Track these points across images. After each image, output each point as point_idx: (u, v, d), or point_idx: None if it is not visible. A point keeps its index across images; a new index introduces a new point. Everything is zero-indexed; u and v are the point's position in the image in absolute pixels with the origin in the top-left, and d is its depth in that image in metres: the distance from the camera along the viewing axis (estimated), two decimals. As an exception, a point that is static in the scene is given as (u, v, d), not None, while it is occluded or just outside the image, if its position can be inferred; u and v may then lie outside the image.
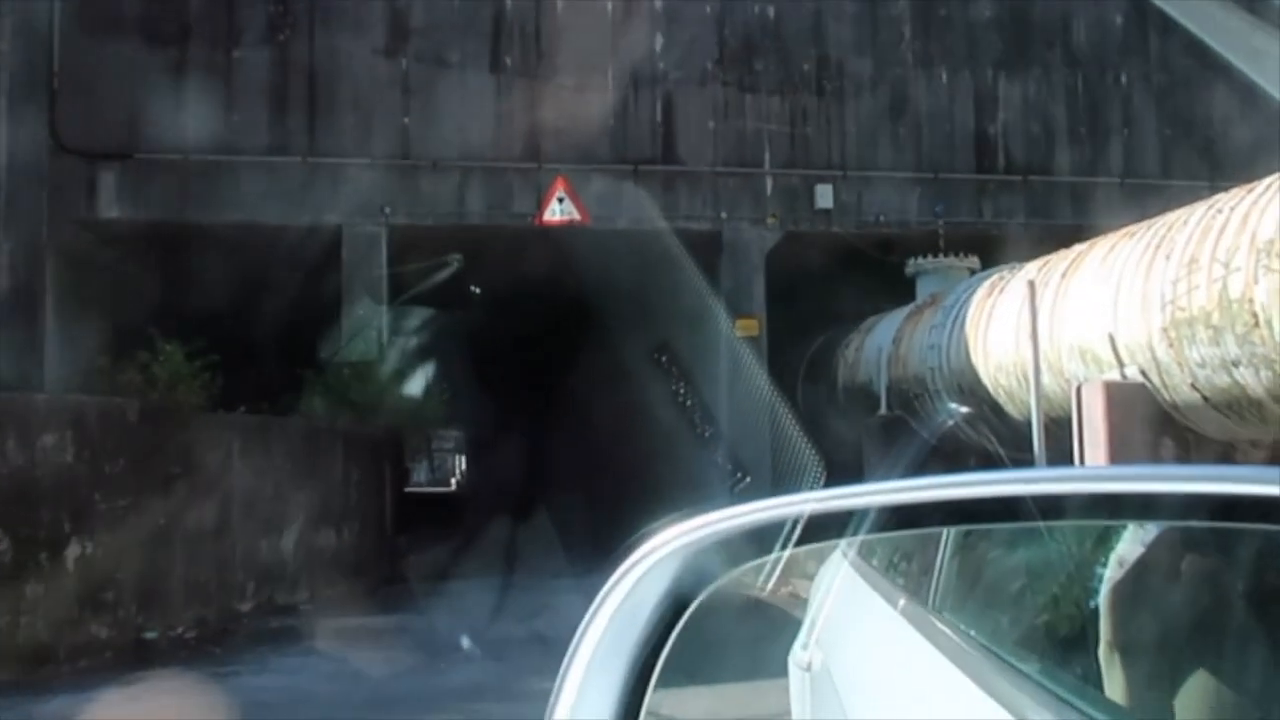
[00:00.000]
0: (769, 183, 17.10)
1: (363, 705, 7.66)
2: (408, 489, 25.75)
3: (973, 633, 1.71)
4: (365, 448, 14.96)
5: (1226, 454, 9.11)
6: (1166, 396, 9.13)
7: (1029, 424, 10.24)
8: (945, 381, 13.27)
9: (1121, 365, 9.49)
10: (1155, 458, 9.16)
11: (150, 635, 10.25)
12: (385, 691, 7.95)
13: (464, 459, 45.51)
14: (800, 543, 1.21)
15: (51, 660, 9.06)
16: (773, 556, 1.26)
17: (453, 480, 46.85)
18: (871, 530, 1.24)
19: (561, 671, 1.20)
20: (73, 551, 9.49)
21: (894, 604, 2.25)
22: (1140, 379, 9.28)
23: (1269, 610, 1.13)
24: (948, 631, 1.80)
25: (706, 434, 16.90)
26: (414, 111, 16.13)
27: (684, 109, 16.91)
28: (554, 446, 21.45)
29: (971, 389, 12.63)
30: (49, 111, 14.86)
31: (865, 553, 2.86)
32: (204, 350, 11.86)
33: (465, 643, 9.00)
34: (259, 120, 15.84)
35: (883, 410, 14.83)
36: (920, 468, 13.10)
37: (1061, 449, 9.73)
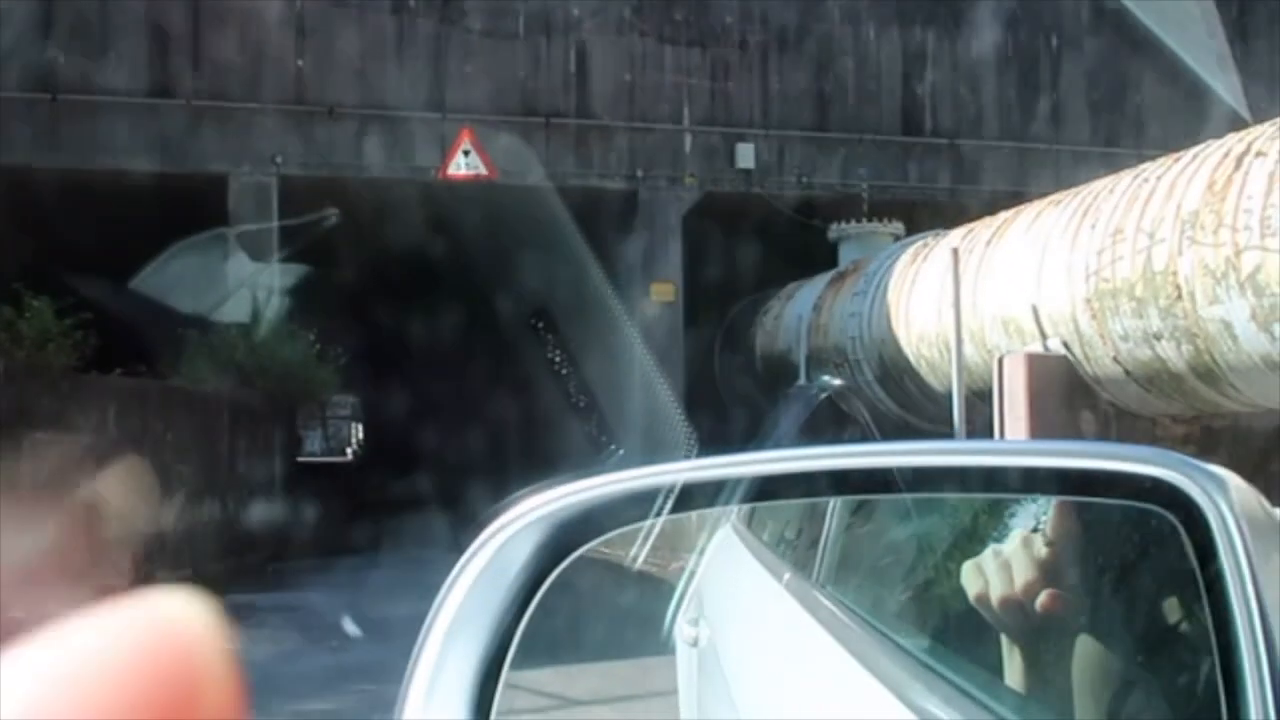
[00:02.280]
0: (687, 140, 17.13)
1: (245, 687, 7.59)
2: (300, 458, 25.42)
3: (857, 608, 1.77)
4: (253, 415, 14.73)
5: (1147, 429, 9.42)
6: (1089, 369, 9.39)
7: (950, 395, 10.47)
8: (866, 351, 13.49)
9: (1044, 337, 9.74)
10: (1075, 431, 9.43)
11: (17, 614, 10.02)
12: (268, 672, 7.89)
13: (360, 427, 45.06)
14: (666, 511, 1.26)
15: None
16: (637, 526, 1.30)
17: (349, 449, 46.37)
18: (737, 500, 1.29)
19: (419, 641, 1.23)
20: (-72, 523, 9.22)
21: (779, 578, 2.31)
22: (1063, 351, 9.54)
23: (1127, 586, 1.22)
24: (831, 607, 1.86)
25: (581, 404, 17.03)
26: (309, 53, 15.82)
27: (599, 59, 16.83)
28: (449, 415, 21.36)
29: (893, 359, 12.86)
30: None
31: (754, 526, 2.92)
32: (76, 307, 11.54)
33: (348, 625, 8.97)
34: (138, 59, 15.40)
35: (801, 380, 15.03)
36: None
37: (982, 421, 9.97)
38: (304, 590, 11.82)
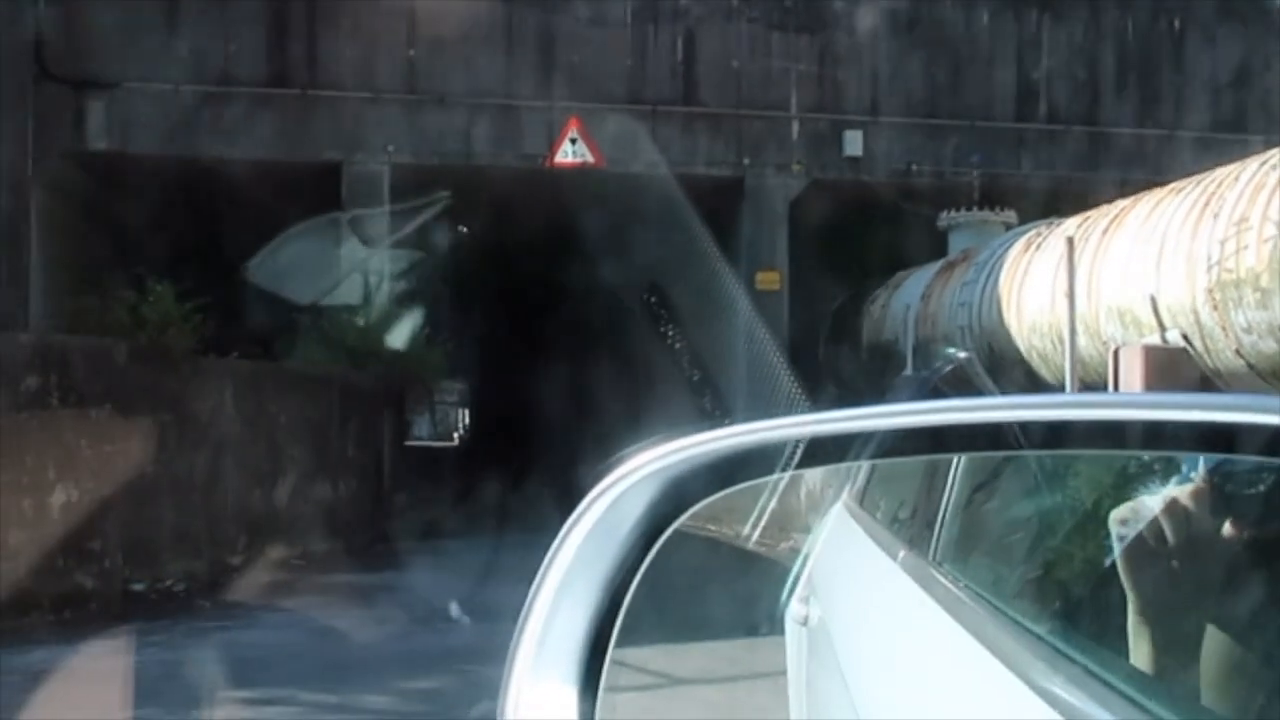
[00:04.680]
0: (795, 127, 17.00)
1: (351, 665, 7.77)
2: (408, 443, 25.87)
3: (976, 586, 1.73)
4: (363, 398, 15.03)
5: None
6: (1209, 362, 9.12)
7: (1062, 388, 10.25)
8: (975, 341, 13.26)
9: (1162, 329, 9.47)
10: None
11: (138, 587, 10.38)
12: (375, 652, 8.06)
13: (468, 413, 45.69)
14: (792, 466, 1.20)
15: (35, 610, 9.19)
16: (758, 482, 1.25)
17: (456, 435, 47.02)
18: (861, 457, 1.23)
19: (530, 595, 1.19)
20: (57, 499, 9.60)
21: (894, 556, 2.28)
22: (1182, 343, 9.27)
23: (1275, 564, 1.14)
24: (949, 585, 1.81)
25: (694, 378, 17.00)
26: (420, 43, 16.06)
27: (706, 47, 16.78)
28: (559, 399, 21.54)
29: (1003, 350, 12.63)
30: (34, 38, 14.84)
31: (866, 504, 2.89)
32: (195, 291, 11.90)
33: (454, 610, 9.11)
34: (256, 50, 15.80)
35: (908, 370, 14.83)
36: None
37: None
38: (411, 571, 12.03)
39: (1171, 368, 9.25)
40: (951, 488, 2.02)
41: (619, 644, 1.25)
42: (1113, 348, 9.83)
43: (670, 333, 18.29)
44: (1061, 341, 10.55)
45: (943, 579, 1.87)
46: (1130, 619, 1.24)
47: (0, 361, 9.67)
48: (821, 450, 1.23)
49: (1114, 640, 1.27)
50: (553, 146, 16.12)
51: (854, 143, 17.03)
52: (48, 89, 14.90)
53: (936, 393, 13.61)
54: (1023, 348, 12.16)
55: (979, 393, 13.57)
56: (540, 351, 23.08)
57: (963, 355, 13.19)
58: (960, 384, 13.83)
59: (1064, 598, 1.54)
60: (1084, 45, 17.71)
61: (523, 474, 15.45)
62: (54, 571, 9.51)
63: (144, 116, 15.33)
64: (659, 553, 1.22)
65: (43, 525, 9.42)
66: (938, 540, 2.05)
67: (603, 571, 1.18)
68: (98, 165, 15.49)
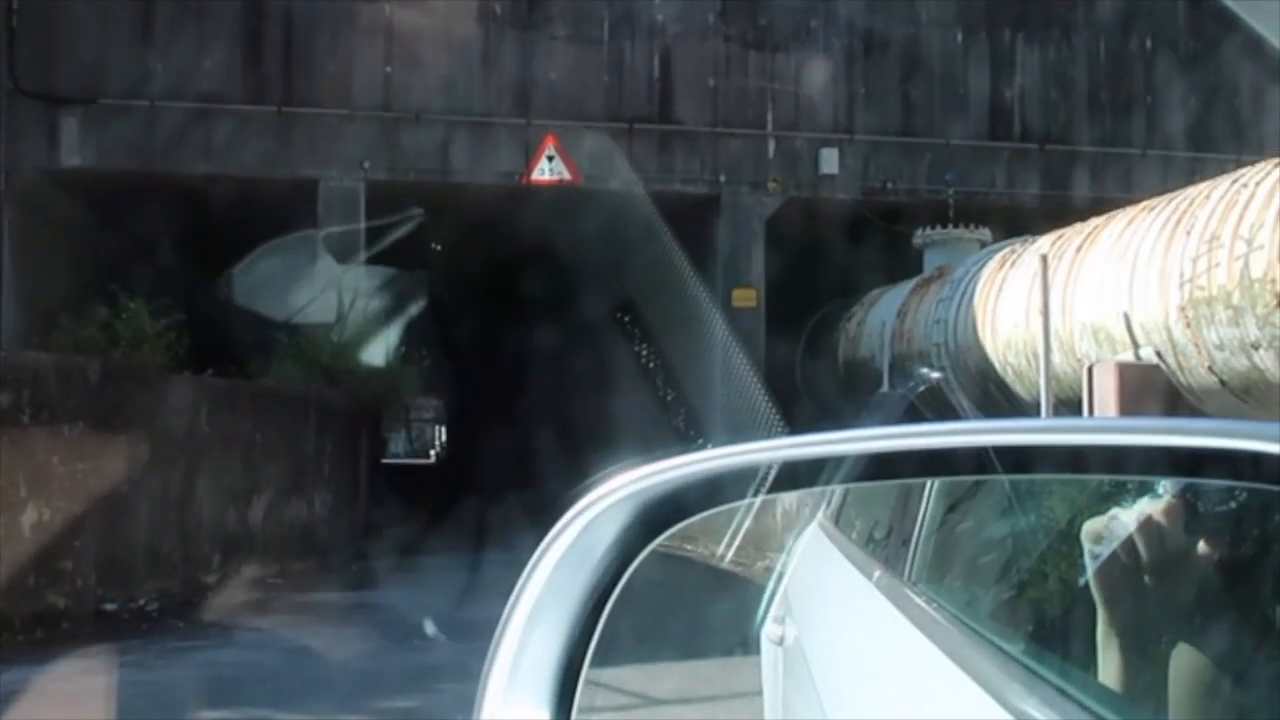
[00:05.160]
0: (771, 145, 17.08)
1: (327, 684, 7.73)
2: (384, 460, 25.77)
3: (950, 606, 1.74)
4: (339, 416, 14.99)
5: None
6: (1182, 379, 9.19)
7: (1038, 405, 10.31)
8: (951, 358, 13.33)
9: (1136, 345, 9.55)
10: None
11: (110, 606, 10.28)
12: (351, 670, 8.02)
13: (444, 430, 45.54)
14: (763, 491, 1.21)
15: (6, 630, 9.10)
16: (731, 506, 1.26)
17: (432, 452, 46.90)
18: (835, 481, 1.23)
19: (504, 618, 1.19)
20: (29, 517, 9.51)
21: (869, 576, 2.28)
22: (1155, 360, 9.34)
23: (1244, 582, 1.15)
24: (924, 605, 1.82)
25: (668, 398, 17.03)
26: (396, 61, 16.06)
27: (683, 64, 16.86)
28: (533, 416, 21.51)
29: (979, 367, 12.70)
30: (7, 53, 14.77)
31: (842, 524, 2.89)
32: (169, 308, 11.84)
33: (430, 629, 9.07)
34: (232, 67, 15.77)
35: (885, 387, 14.89)
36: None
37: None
38: (388, 589, 11.98)
39: (1145, 384, 9.32)
40: (926, 508, 2.03)
41: (594, 664, 1.25)
42: (1087, 364, 9.89)
43: (644, 351, 18.33)
44: (1036, 358, 10.62)
45: (918, 599, 1.87)
46: (1099, 632, 1.24)
47: (-29, 379, 9.58)
48: (794, 474, 1.24)
49: (1086, 659, 1.28)
50: (529, 164, 16.13)
51: (829, 161, 17.12)
52: (21, 105, 14.83)
53: (912, 411, 13.70)
54: (998, 365, 12.23)
55: (953, 412, 13.64)
56: (516, 369, 23.05)
57: (935, 375, 13.28)
58: (935, 403, 13.91)
59: (1037, 617, 1.55)
60: (1057, 64, 17.88)
61: (499, 491, 15.42)
62: (25, 591, 9.42)
63: (119, 133, 15.26)
64: (635, 573, 1.22)
65: (14, 544, 9.33)
66: (913, 560, 2.06)
67: (576, 595, 1.18)
68: (72, 182, 15.41)
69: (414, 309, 17.54)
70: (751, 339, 16.73)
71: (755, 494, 1.22)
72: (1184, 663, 1.17)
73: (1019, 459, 1.23)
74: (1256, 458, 1.03)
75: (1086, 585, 1.32)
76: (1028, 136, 17.68)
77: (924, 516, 2.04)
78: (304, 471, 14.03)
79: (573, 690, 1.18)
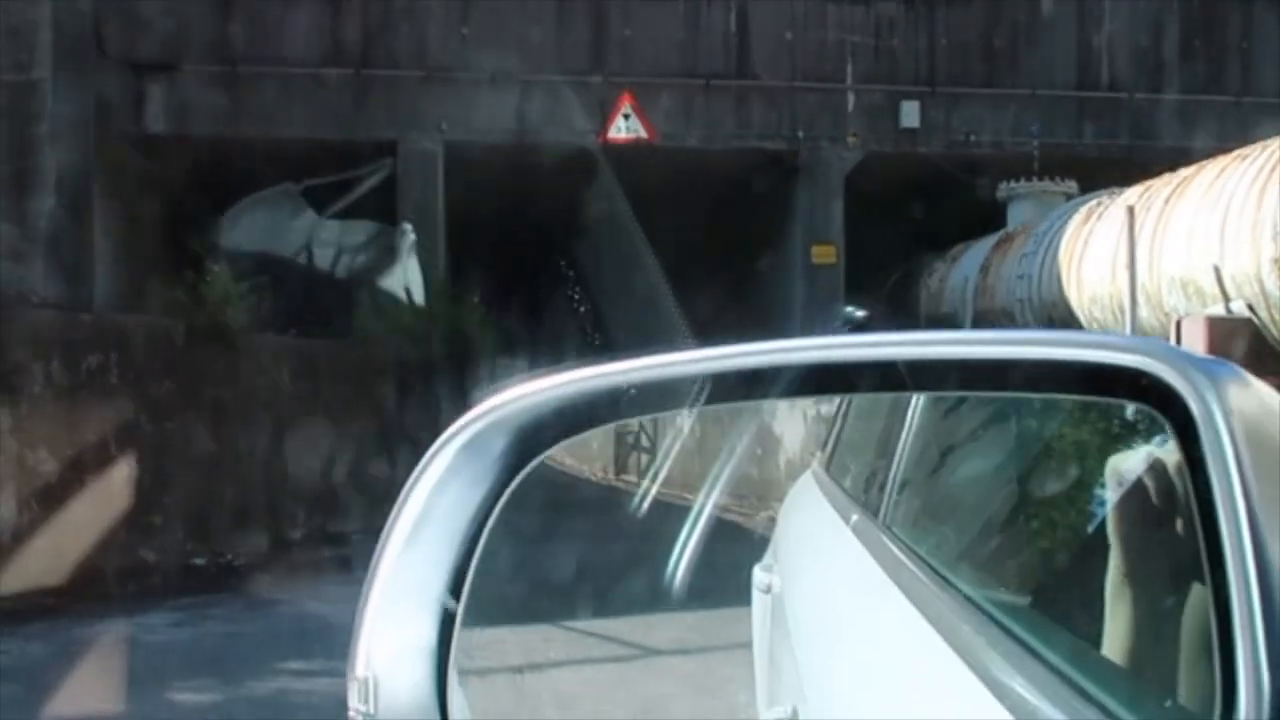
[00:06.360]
0: (850, 99, 16.79)
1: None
2: (467, 419, 26.01)
3: (921, 551, 1.69)
4: (421, 374, 15.12)
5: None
6: (1274, 333, 8.90)
7: (1122, 361, 10.06)
8: (1035, 313, 13.06)
9: (1226, 299, 9.25)
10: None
11: (199, 561, 10.55)
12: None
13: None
14: (636, 413, 1.19)
15: (100, 583, 9.38)
16: (607, 426, 1.24)
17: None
18: (702, 402, 1.19)
19: (380, 542, 1.18)
20: (119, 475, 9.78)
21: (847, 520, 2.23)
22: (1246, 314, 9.05)
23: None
24: (894, 549, 1.77)
25: None
26: (473, 22, 16.05)
27: (760, 18, 16.61)
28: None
29: (1063, 322, 12.42)
30: (93, 21, 15.02)
31: (833, 470, 2.84)
32: (253, 270, 12.02)
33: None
34: (310, 30, 15.89)
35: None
36: None
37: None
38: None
39: (1235, 339, 9.04)
40: (903, 451, 1.97)
41: (587, 617, 1.25)
42: (1175, 319, 9.62)
43: (722, 308, 18.21)
44: (1122, 313, 10.34)
45: (890, 543, 1.83)
46: (1110, 579, 1.17)
47: (63, 341, 9.85)
48: (663, 394, 1.20)
49: (1051, 604, 1.24)
50: (606, 122, 16.06)
51: (910, 114, 16.79)
52: (109, 72, 15.09)
53: None
54: (1083, 320, 11.96)
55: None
56: (596, 328, 23.09)
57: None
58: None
59: (1004, 562, 1.51)
60: (1147, 10, 17.30)
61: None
62: (117, 546, 9.69)
63: (202, 98, 15.49)
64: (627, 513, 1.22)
65: (105, 501, 9.60)
66: (888, 504, 2.01)
67: (454, 517, 1.17)
68: (158, 148, 15.69)
69: (495, 270, 17.61)
70: (831, 296, 16.55)
71: (627, 416, 1.19)
72: (1194, 613, 1.10)
73: (935, 372, 1.18)
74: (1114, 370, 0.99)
75: (1047, 534, 1.27)
76: (1116, 86, 17.15)
77: (900, 460, 1.99)
78: (386, 429, 14.20)
79: (451, 618, 1.16)
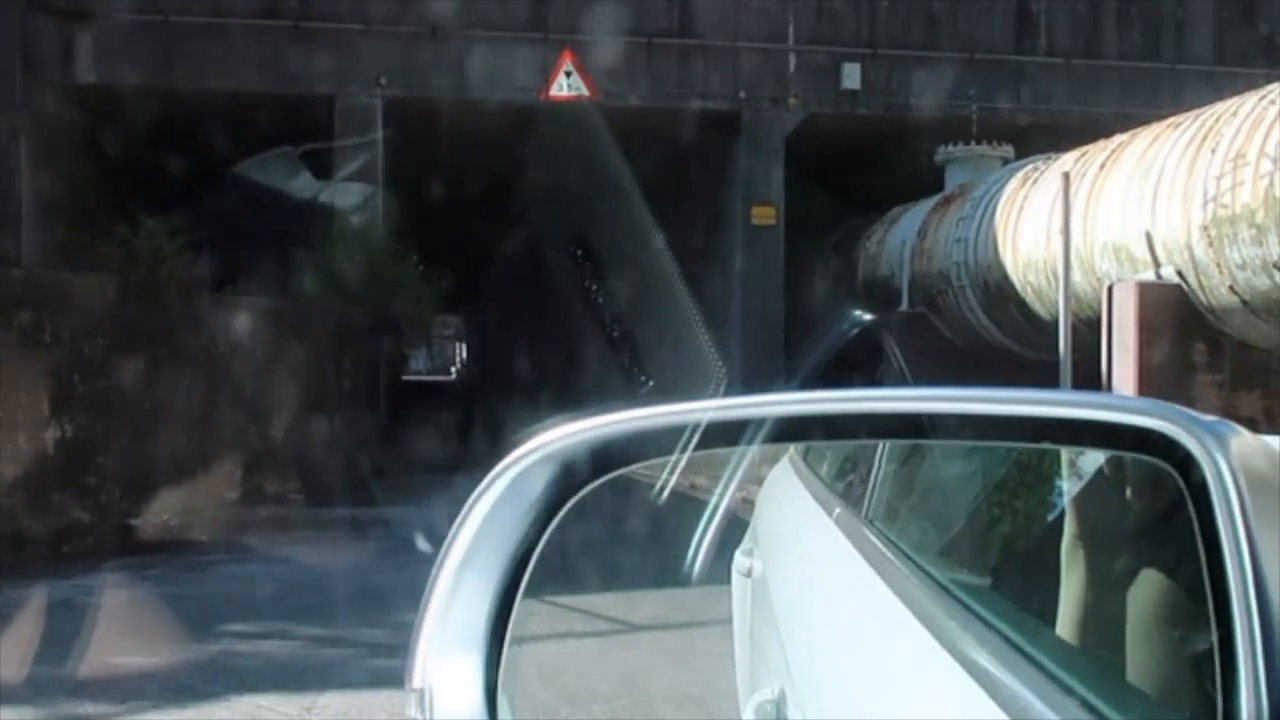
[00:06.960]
0: (792, 60, 16.81)
1: (347, 598, 7.84)
2: (405, 377, 25.89)
3: (903, 545, 1.78)
4: (358, 333, 15.02)
5: (1262, 362, 9.12)
6: (1203, 299, 9.09)
7: (1056, 324, 10.23)
8: (971, 277, 13.23)
9: (1157, 265, 9.44)
10: (1186, 362, 9.16)
11: (134, 521, 10.44)
12: (372, 583, 8.12)
13: (464, 346, 45.72)
14: (688, 450, 1.28)
15: (32, 544, 9.26)
16: (656, 462, 1.33)
17: (453, 369, 47.17)
18: (759, 441, 1.30)
19: (434, 570, 1.27)
20: (52, 434, 9.62)
21: (830, 513, 2.32)
22: (1176, 280, 9.24)
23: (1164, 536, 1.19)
24: (878, 543, 1.86)
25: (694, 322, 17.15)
26: (413, -27, 15.81)
27: (703, -23, 16.53)
28: (554, 334, 21.54)
29: (999, 286, 12.59)
30: (21, -34, 14.61)
31: (810, 459, 2.92)
32: (188, 226, 11.82)
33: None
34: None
35: (904, 306, 14.81)
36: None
37: (1089, 354, 9.74)
38: (408, 505, 12.10)
39: (1165, 304, 9.23)
40: (884, 449, 2.04)
41: (575, 592, 1.33)
42: (1107, 284, 9.79)
43: (664, 266, 18.25)
44: (1056, 278, 10.52)
45: (873, 537, 1.91)
46: (1064, 547, 1.29)
47: (-8, 297, 9.63)
48: (718, 434, 1.31)
49: (1025, 599, 1.32)
50: (547, 79, 15.94)
51: (852, 76, 16.85)
52: (35, 20, 14.70)
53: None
54: (1018, 284, 12.13)
55: (974, 332, 13.58)
56: (535, 286, 23.01)
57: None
58: (957, 326, 13.85)
59: (985, 556, 1.60)
60: (1085, -24, 17.46)
61: (522, 403, 15.49)
62: (50, 506, 9.56)
63: (133, 48, 15.13)
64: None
65: (37, 460, 9.45)
66: (871, 498, 2.09)
67: (503, 548, 1.27)
68: (87, 99, 15.32)
69: (432, 227, 17.46)
70: (770, 256, 16.63)
71: (680, 451, 1.29)
72: (1144, 585, 1.19)
73: (900, 424, 1.32)
74: (1126, 429, 1.11)
75: (1029, 526, 1.34)
76: (1054, 51, 17.33)
77: (882, 456, 2.07)
78: (324, 388, 14.10)
79: (501, 641, 1.26)
